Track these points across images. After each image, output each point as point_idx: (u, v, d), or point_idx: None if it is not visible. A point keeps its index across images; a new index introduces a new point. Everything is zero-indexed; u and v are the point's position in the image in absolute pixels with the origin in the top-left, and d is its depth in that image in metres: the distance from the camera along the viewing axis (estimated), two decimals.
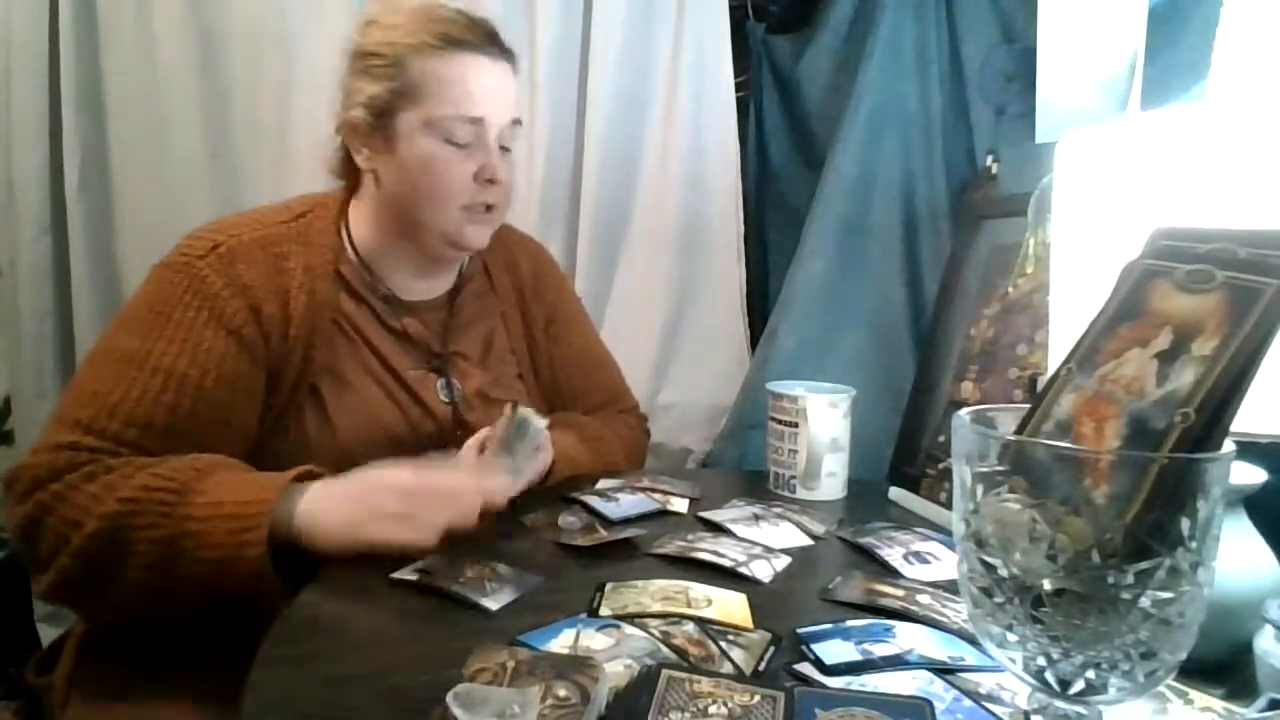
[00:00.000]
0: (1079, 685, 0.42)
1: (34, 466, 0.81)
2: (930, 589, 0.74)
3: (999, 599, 0.43)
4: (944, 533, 0.89)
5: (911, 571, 0.79)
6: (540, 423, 0.92)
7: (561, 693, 0.52)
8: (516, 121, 1.01)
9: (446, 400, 1.03)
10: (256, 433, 0.91)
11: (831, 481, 1.04)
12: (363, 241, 1.02)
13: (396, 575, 0.74)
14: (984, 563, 0.44)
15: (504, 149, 1.00)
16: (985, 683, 0.59)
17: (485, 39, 0.97)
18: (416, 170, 0.96)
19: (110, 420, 0.83)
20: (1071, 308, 0.73)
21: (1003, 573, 0.43)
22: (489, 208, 1.00)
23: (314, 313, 0.94)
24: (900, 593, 0.73)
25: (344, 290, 0.99)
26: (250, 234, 0.94)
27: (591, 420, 1.16)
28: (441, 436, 1.00)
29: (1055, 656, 0.42)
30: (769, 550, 0.84)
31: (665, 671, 0.55)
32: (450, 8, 0.99)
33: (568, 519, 0.90)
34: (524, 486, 0.93)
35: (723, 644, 0.63)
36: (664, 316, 1.60)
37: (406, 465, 0.84)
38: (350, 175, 1.03)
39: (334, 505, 0.80)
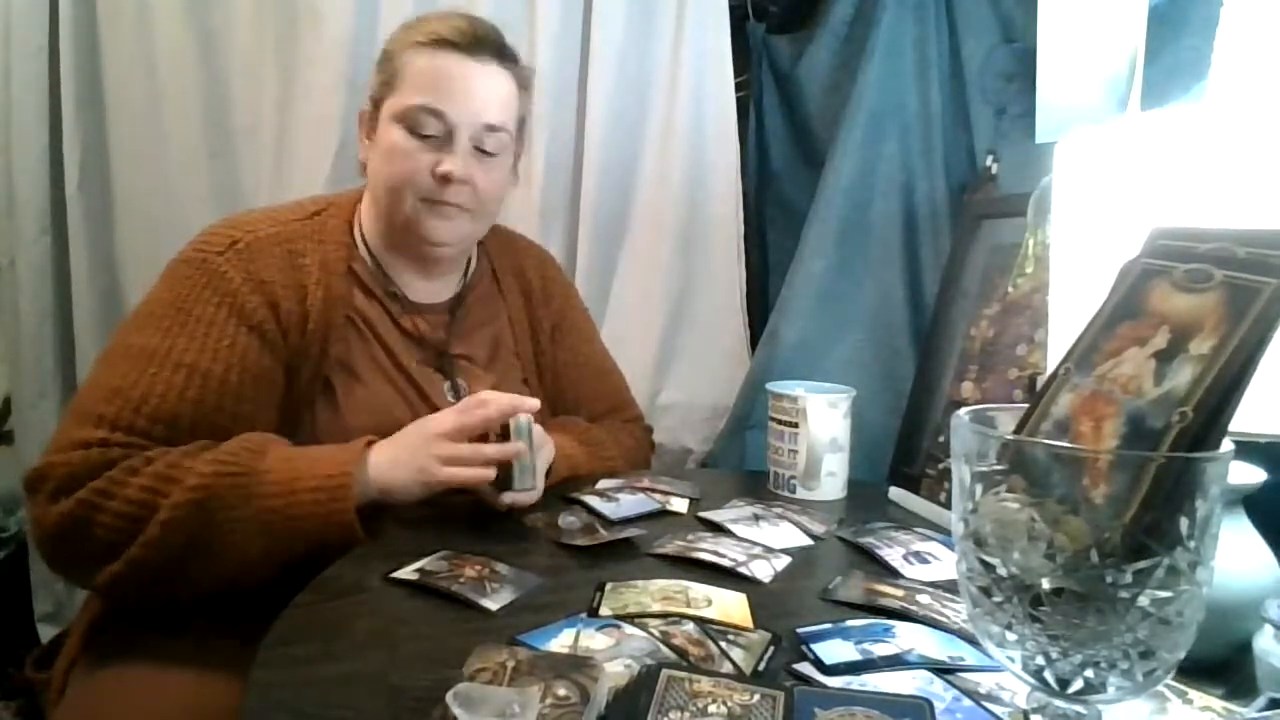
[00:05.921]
0: (1078, 684, 0.42)
1: (64, 465, 0.80)
2: (930, 589, 0.74)
3: (998, 598, 0.43)
4: (944, 533, 0.89)
5: (911, 571, 0.80)
6: (524, 417, 0.91)
7: (561, 692, 0.52)
8: (492, 128, 0.98)
9: (453, 401, 1.02)
10: (275, 426, 0.91)
11: (831, 481, 1.04)
12: (371, 239, 1.04)
13: (396, 575, 0.74)
14: (983, 562, 0.44)
15: (483, 152, 0.99)
16: (985, 682, 0.59)
17: (474, 42, 0.97)
18: (382, 158, 0.99)
19: (136, 416, 0.83)
20: (1071, 308, 0.73)
21: (1001, 572, 0.43)
22: (455, 206, 0.98)
23: (330, 308, 0.94)
24: (900, 593, 0.73)
25: (357, 287, 1.00)
26: (267, 230, 0.95)
27: (591, 425, 1.16)
28: None
29: (1054, 656, 0.42)
30: (769, 550, 0.84)
31: (665, 671, 0.55)
32: (462, 15, 1.01)
33: (568, 519, 0.90)
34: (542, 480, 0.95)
35: (723, 644, 0.63)
36: (664, 316, 1.59)
37: (449, 410, 0.89)
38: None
39: (397, 461, 0.86)
